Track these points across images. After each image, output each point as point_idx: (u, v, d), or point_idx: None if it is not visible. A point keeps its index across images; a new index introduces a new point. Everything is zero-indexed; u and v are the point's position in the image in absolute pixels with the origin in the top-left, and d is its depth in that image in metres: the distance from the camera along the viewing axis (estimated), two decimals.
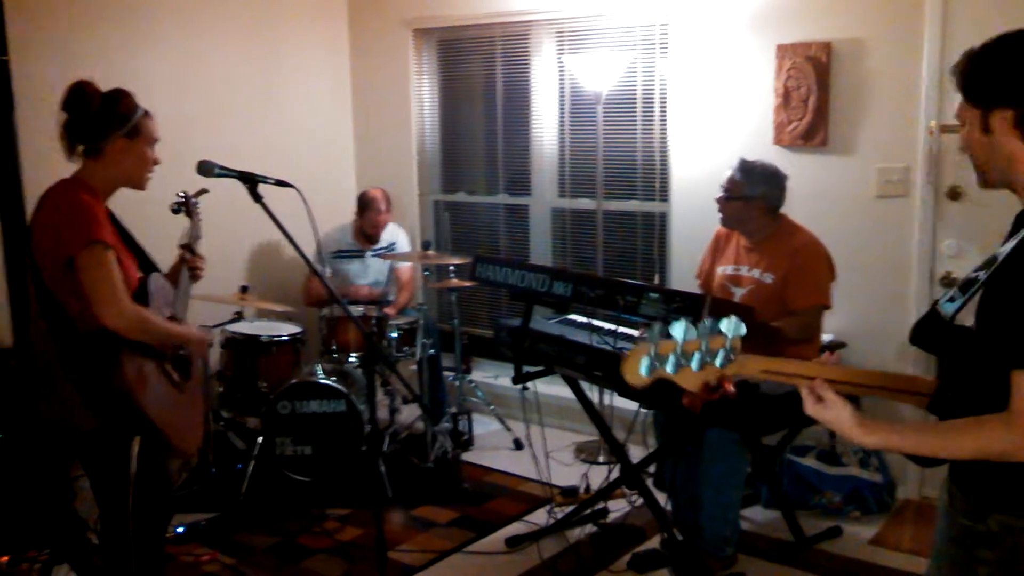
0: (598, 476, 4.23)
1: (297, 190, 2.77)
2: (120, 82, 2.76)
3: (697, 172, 4.69)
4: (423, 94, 5.82)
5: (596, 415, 3.96)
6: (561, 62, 5.19)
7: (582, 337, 3.55)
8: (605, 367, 3.38)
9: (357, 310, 4.72)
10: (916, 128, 4.11)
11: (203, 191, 3.02)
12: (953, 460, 1.76)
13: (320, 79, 5.78)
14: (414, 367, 4.99)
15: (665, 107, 4.85)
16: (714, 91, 4.65)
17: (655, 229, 5.06)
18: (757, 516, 4.15)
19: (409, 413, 5.10)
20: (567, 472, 4.57)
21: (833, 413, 1.68)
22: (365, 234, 5.27)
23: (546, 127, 5.38)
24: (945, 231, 4.13)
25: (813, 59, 4.30)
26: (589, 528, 3.99)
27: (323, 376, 4.46)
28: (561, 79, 5.26)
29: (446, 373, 5.30)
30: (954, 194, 4.07)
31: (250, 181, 2.78)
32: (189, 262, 2.98)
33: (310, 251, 2.87)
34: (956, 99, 1.78)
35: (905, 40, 4.11)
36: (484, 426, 5.30)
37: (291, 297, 5.18)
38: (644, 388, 1.62)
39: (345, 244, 5.27)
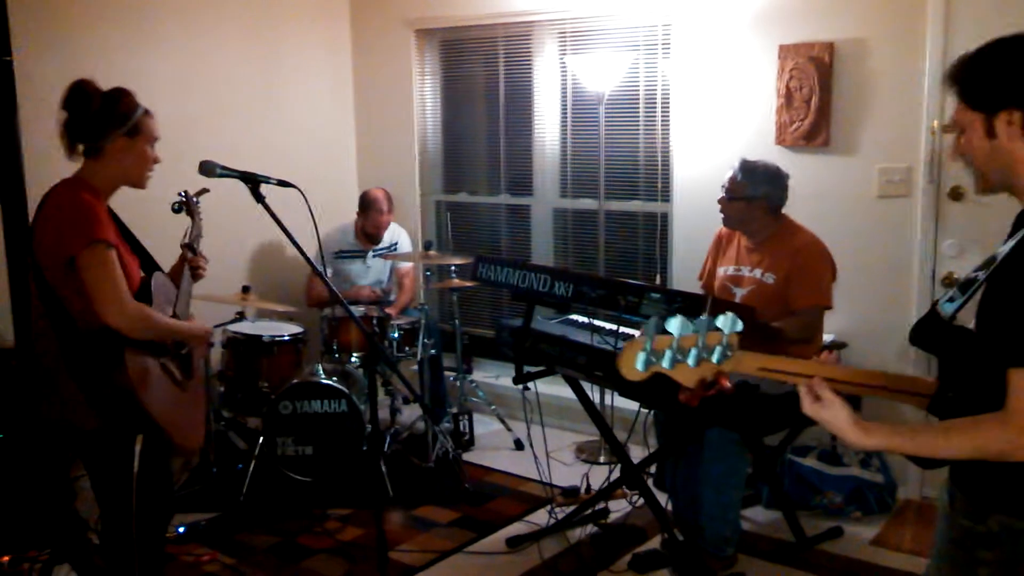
0: (599, 476, 4.24)
1: (299, 190, 2.77)
2: (122, 82, 2.77)
3: (699, 172, 4.69)
4: (425, 94, 5.82)
5: (597, 415, 3.96)
6: (563, 62, 5.19)
7: (583, 337, 3.55)
8: (606, 367, 3.38)
9: (358, 310, 4.72)
10: (918, 128, 4.11)
11: (204, 190, 3.03)
12: (953, 461, 1.75)
13: (322, 79, 5.78)
14: (415, 367, 4.99)
15: (667, 107, 4.85)
16: (716, 91, 4.65)
17: (657, 229, 5.06)
18: (758, 516, 4.15)
19: (410, 413, 5.10)
20: (568, 472, 4.57)
21: (830, 413, 1.68)
22: (367, 234, 5.27)
23: (548, 127, 5.38)
24: (946, 231, 4.13)
25: (815, 59, 4.30)
26: (590, 528, 3.99)
27: (324, 376, 4.46)
28: (563, 79, 5.26)
29: (447, 373, 5.30)
30: (956, 194, 4.07)
31: (252, 181, 2.78)
32: (191, 261, 2.98)
33: (312, 251, 2.87)
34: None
35: (907, 40, 4.11)
36: (485, 426, 5.30)
37: (293, 297, 5.19)
38: (641, 383, 1.62)
39: (347, 244, 5.28)
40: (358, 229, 5.30)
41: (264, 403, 4.42)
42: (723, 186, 3.73)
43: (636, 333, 3.46)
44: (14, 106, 4.18)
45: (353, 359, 4.65)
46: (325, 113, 5.82)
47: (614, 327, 3.54)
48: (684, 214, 4.83)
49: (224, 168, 2.76)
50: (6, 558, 3.51)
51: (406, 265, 5.37)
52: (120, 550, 2.78)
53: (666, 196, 4.95)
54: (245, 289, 4.51)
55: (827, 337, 4.08)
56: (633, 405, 3.94)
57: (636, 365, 1.60)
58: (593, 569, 3.69)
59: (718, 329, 1.63)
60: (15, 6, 4.18)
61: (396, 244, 5.37)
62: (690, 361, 1.62)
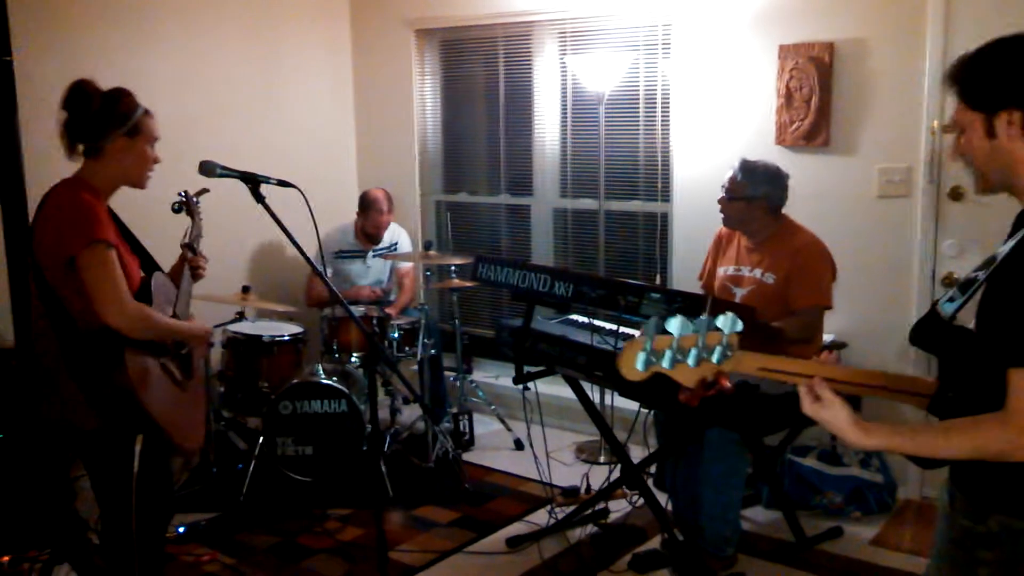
0: (599, 476, 4.24)
1: (299, 190, 2.77)
2: (122, 82, 2.77)
3: (699, 172, 4.69)
4: (425, 94, 5.82)
5: (597, 415, 3.96)
6: (563, 62, 5.18)
7: (583, 337, 3.55)
8: (606, 367, 3.38)
9: (358, 310, 4.72)
10: (918, 128, 4.11)
11: (204, 190, 3.03)
12: (953, 461, 1.75)
13: (322, 79, 5.78)
14: (415, 367, 4.99)
15: (667, 107, 4.85)
16: (716, 91, 4.65)
17: (657, 229, 5.06)
18: (758, 516, 4.15)
19: (410, 413, 5.10)
20: (568, 472, 4.57)
21: (830, 413, 1.68)
22: (367, 234, 5.27)
23: (548, 127, 5.38)
24: (946, 231, 4.13)
25: (815, 59, 4.30)
26: (590, 528, 3.99)
27: (324, 376, 4.46)
28: (563, 79, 5.26)
29: (447, 373, 5.30)
30: (956, 194, 4.07)
31: (252, 181, 2.77)
32: (191, 261, 2.98)
33: (312, 251, 2.87)
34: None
35: (907, 40, 4.11)
36: (485, 426, 5.30)
37: (293, 297, 5.19)
38: (640, 383, 1.62)
39: (347, 244, 5.27)
40: (358, 229, 5.30)
41: (264, 403, 4.42)
42: (723, 186, 3.73)
43: (636, 333, 3.47)
44: (14, 106, 4.18)
45: (353, 359, 4.65)
46: (325, 113, 5.82)
47: (614, 327, 3.54)
48: (684, 214, 4.83)
49: (224, 168, 2.76)
50: (6, 558, 3.51)
51: (406, 265, 5.37)
52: (120, 550, 2.78)
53: (666, 196, 4.95)
54: (245, 289, 4.51)
55: (827, 337, 4.08)
56: (633, 405, 3.95)
57: (636, 365, 1.60)
58: (593, 569, 3.69)
59: (718, 329, 1.63)
60: (15, 6, 4.18)
61: (396, 244, 5.37)
62: (690, 361, 1.62)
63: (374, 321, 4.64)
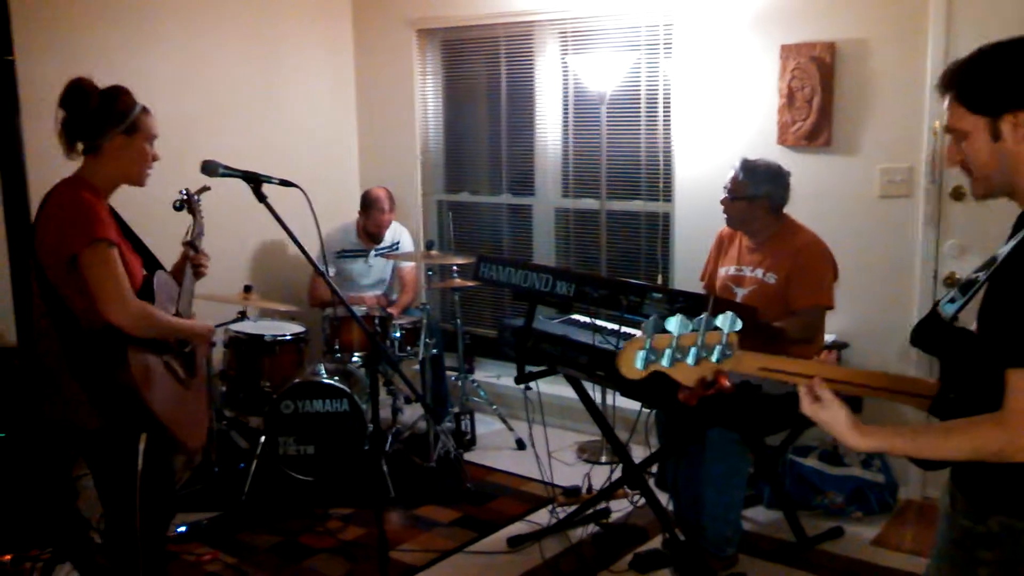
0: (600, 476, 4.24)
1: (301, 190, 2.77)
2: (123, 82, 2.77)
3: (701, 172, 4.69)
4: (427, 94, 5.82)
5: (598, 415, 3.96)
6: (565, 62, 5.18)
7: (585, 337, 3.55)
8: (608, 367, 3.38)
9: (360, 309, 4.73)
10: (920, 128, 4.11)
11: (205, 188, 3.02)
12: (953, 461, 1.75)
13: (323, 79, 5.78)
14: (417, 367, 4.99)
15: (669, 107, 4.85)
16: (718, 91, 4.65)
17: (658, 229, 5.06)
18: (759, 516, 4.15)
19: (412, 413, 5.11)
20: (569, 472, 4.57)
21: (829, 414, 1.68)
22: (368, 233, 5.27)
23: (550, 127, 5.38)
24: (948, 231, 4.13)
25: (817, 59, 4.30)
26: (591, 528, 3.99)
27: (326, 376, 4.46)
28: (565, 79, 5.26)
29: (449, 373, 5.30)
30: (957, 194, 4.07)
31: (254, 181, 2.77)
32: (193, 259, 2.98)
33: (314, 251, 2.87)
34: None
35: (909, 40, 4.10)
36: (486, 426, 5.30)
37: (295, 297, 5.19)
38: (641, 382, 1.62)
39: (348, 244, 5.28)
40: (360, 228, 5.30)
41: (266, 402, 4.43)
42: (725, 187, 3.73)
43: (638, 333, 3.47)
44: (16, 105, 4.18)
45: (355, 358, 4.66)
46: (326, 113, 5.83)
47: (616, 327, 3.54)
48: (686, 214, 4.83)
49: (226, 168, 2.76)
50: (8, 557, 3.52)
51: (408, 265, 5.38)
52: (123, 549, 2.78)
53: (668, 196, 4.95)
54: (247, 288, 4.52)
55: (829, 337, 4.08)
56: (635, 405, 3.95)
57: (635, 364, 1.60)
58: (594, 569, 3.69)
59: (717, 328, 1.63)
60: (16, 6, 4.19)
61: (398, 243, 5.37)
62: (689, 360, 1.62)
63: (376, 321, 4.64)
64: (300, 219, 2.81)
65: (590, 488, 4.27)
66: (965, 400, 1.70)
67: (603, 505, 4.11)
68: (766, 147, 4.37)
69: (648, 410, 3.98)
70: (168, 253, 2.99)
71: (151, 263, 2.85)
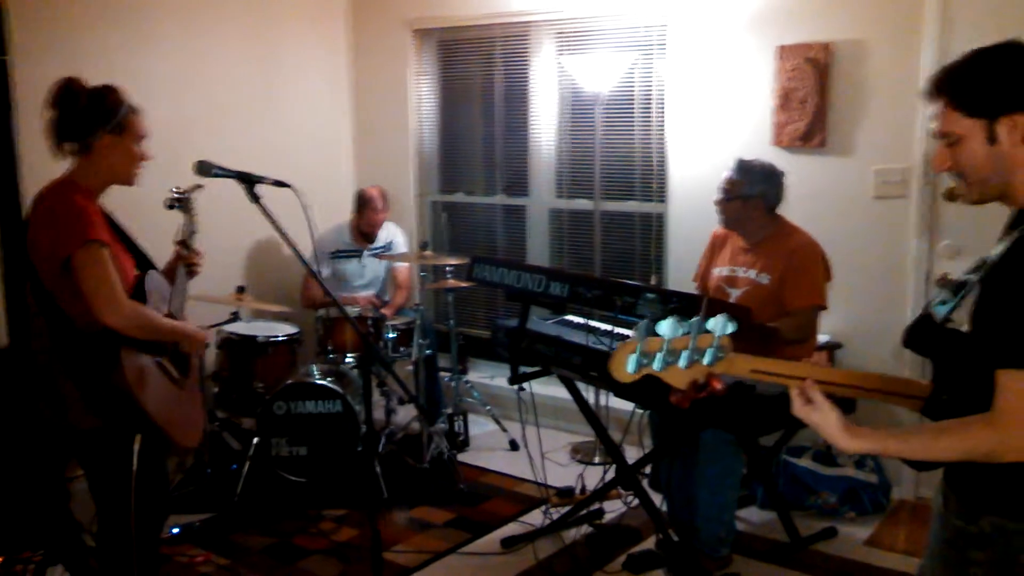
0: (594, 477, 4.23)
1: (295, 190, 2.76)
2: (120, 82, 2.77)
3: (695, 173, 4.69)
4: (422, 95, 5.82)
5: (592, 416, 3.96)
6: (560, 63, 5.18)
7: (578, 338, 3.54)
8: (601, 368, 3.38)
9: (353, 310, 4.72)
10: (914, 130, 4.12)
11: (198, 186, 3.01)
12: (946, 462, 1.76)
13: (319, 79, 5.78)
14: (410, 368, 4.98)
15: (663, 108, 4.85)
16: (713, 92, 4.65)
17: (653, 230, 5.06)
18: (753, 517, 4.15)
19: (405, 414, 5.10)
20: (563, 473, 4.57)
21: (820, 416, 1.68)
22: (362, 233, 5.26)
23: (544, 128, 5.38)
24: (942, 232, 4.13)
25: (812, 60, 4.30)
26: (585, 529, 3.99)
27: (319, 377, 4.46)
28: (560, 80, 5.26)
29: (442, 374, 5.29)
30: (952, 196, 4.07)
31: (248, 181, 2.77)
32: (186, 258, 2.98)
33: (307, 252, 2.87)
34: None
35: (904, 42, 4.11)
36: (480, 427, 5.30)
37: (288, 297, 5.18)
38: (635, 384, 1.62)
39: (342, 244, 5.27)
40: (354, 228, 5.29)
41: (259, 404, 4.42)
42: (720, 187, 3.73)
43: (631, 333, 3.47)
44: (9, 105, 4.17)
45: (348, 359, 4.65)
46: (323, 113, 5.82)
47: (610, 327, 3.54)
48: (680, 215, 4.83)
49: (220, 168, 2.75)
50: (0, 559, 3.50)
51: (402, 265, 5.37)
52: (117, 551, 2.77)
53: (662, 197, 4.95)
54: (240, 289, 4.50)
55: (823, 338, 4.08)
56: (628, 406, 3.95)
57: (627, 367, 1.60)
58: (588, 569, 3.69)
59: (709, 331, 1.63)
60: (14, 6, 4.18)
61: (392, 243, 5.36)
62: (681, 363, 1.62)
63: (369, 322, 4.64)
64: (294, 219, 2.80)
65: (584, 489, 4.26)
66: (958, 401, 1.70)
67: (597, 506, 4.10)
68: (761, 148, 4.37)
69: (641, 411, 3.97)
70: (162, 252, 2.98)
71: (144, 263, 2.84)
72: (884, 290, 4.29)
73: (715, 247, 3.91)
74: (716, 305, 3.09)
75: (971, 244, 3.99)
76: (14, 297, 4.20)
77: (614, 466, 3.88)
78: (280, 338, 4.60)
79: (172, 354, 2.85)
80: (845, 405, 1.71)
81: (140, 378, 2.65)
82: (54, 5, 4.45)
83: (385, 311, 4.95)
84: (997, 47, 1.70)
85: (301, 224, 2.81)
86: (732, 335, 1.64)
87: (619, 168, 5.10)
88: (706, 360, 1.63)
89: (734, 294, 3.71)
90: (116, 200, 2.81)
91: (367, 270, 5.29)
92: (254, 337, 4.57)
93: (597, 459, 4.78)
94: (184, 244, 2.99)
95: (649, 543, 3.86)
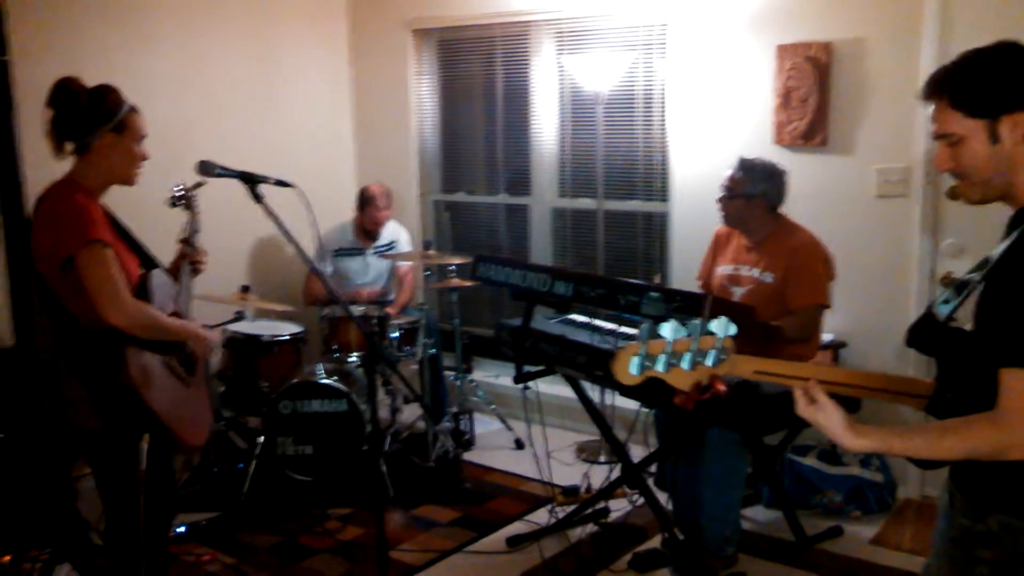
0: (599, 476, 4.24)
1: (298, 190, 2.77)
2: (120, 82, 2.78)
3: (697, 172, 4.70)
4: (423, 94, 5.82)
5: (597, 415, 3.96)
6: (561, 62, 5.18)
7: (583, 337, 3.55)
8: (606, 367, 3.38)
9: (358, 309, 4.73)
10: (915, 128, 4.12)
11: (200, 183, 3.02)
12: (951, 460, 1.76)
13: (320, 79, 5.78)
14: (415, 367, 4.99)
15: (665, 107, 4.85)
16: (714, 91, 4.65)
17: (655, 229, 5.07)
18: (758, 516, 4.16)
19: (410, 413, 5.10)
20: (568, 472, 4.57)
21: (824, 416, 1.68)
22: (365, 231, 5.26)
23: (546, 127, 5.39)
24: (945, 231, 4.13)
25: (813, 59, 4.30)
26: (590, 528, 3.99)
27: (324, 376, 4.46)
28: (561, 79, 5.26)
29: (447, 373, 5.30)
30: (954, 194, 4.05)
31: (251, 181, 2.78)
32: (189, 256, 2.98)
33: (311, 251, 2.87)
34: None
35: (905, 40, 4.11)
36: (485, 426, 5.30)
37: (292, 296, 5.19)
38: (636, 386, 1.62)
39: (346, 242, 5.27)
40: (357, 226, 5.29)
41: (264, 403, 4.43)
42: (722, 185, 3.73)
43: (635, 332, 3.47)
44: (11, 106, 4.18)
45: (353, 358, 4.65)
46: (323, 113, 5.83)
47: (614, 326, 3.54)
48: (683, 213, 4.83)
49: (223, 168, 2.76)
50: (7, 558, 3.52)
51: (406, 264, 5.37)
52: (125, 550, 2.78)
53: (664, 196, 4.95)
54: (244, 289, 4.52)
55: (826, 337, 4.08)
56: (633, 404, 3.95)
57: (630, 369, 1.60)
58: (593, 568, 3.70)
59: (712, 333, 1.63)
60: (14, 6, 4.19)
61: (395, 242, 5.36)
62: (684, 365, 1.63)
63: (374, 321, 4.64)
64: (297, 218, 2.81)
65: (589, 488, 4.27)
66: (962, 399, 1.70)
67: (602, 505, 4.11)
68: (762, 147, 4.37)
69: (647, 410, 3.98)
70: (166, 251, 2.99)
71: (148, 262, 2.85)
72: (887, 289, 4.29)
73: (718, 246, 3.92)
74: (719, 304, 3.10)
75: (974, 243, 3.99)
76: (19, 297, 4.21)
77: (619, 465, 3.88)
78: (285, 337, 4.61)
79: (178, 353, 2.86)
80: (849, 404, 1.71)
81: (145, 377, 2.66)
82: (54, 5, 4.46)
83: (389, 310, 4.95)
84: (994, 47, 1.70)
85: (303, 223, 2.82)
86: (735, 334, 1.64)
87: (621, 167, 5.11)
88: (709, 362, 1.64)
89: (737, 293, 3.72)
90: (117, 200, 2.82)
91: (370, 268, 5.30)
92: (259, 336, 4.57)
93: (602, 458, 4.78)
94: (188, 242, 2.99)
95: (655, 542, 3.86)
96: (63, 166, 2.73)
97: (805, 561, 3.73)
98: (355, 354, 4.65)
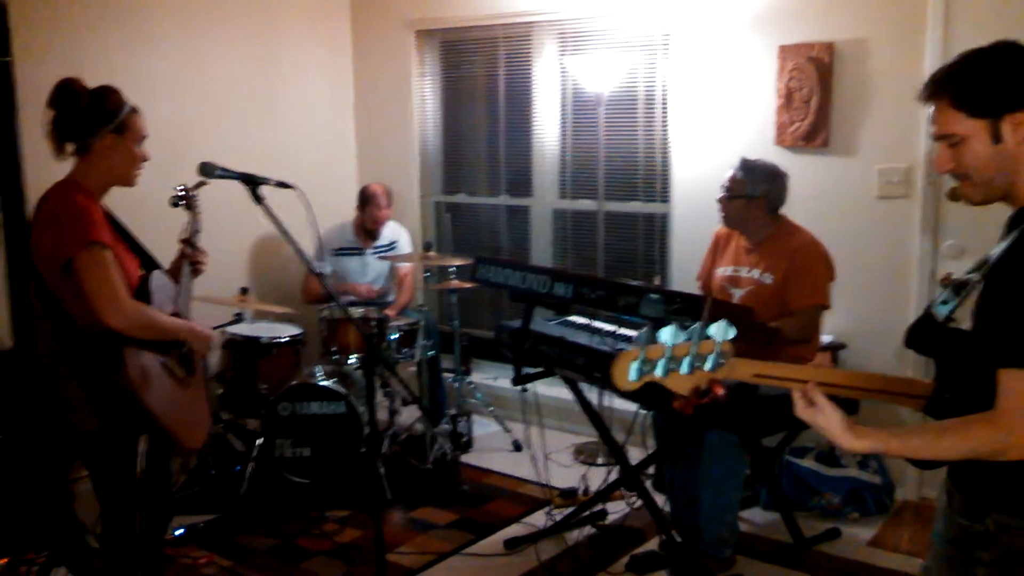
0: (597, 478, 4.23)
1: (299, 191, 2.76)
2: (121, 83, 2.77)
3: (698, 173, 4.69)
4: (425, 95, 5.82)
5: (595, 417, 3.95)
6: (563, 63, 5.18)
7: (582, 338, 3.55)
8: (605, 369, 3.37)
9: (357, 311, 4.72)
10: (917, 129, 4.11)
11: (202, 183, 3.01)
12: (950, 460, 1.76)
13: (322, 80, 5.78)
14: (414, 369, 4.99)
15: (666, 108, 4.85)
16: (716, 92, 4.64)
17: (656, 230, 5.06)
18: (756, 518, 4.15)
19: (408, 415, 5.10)
20: (566, 474, 4.56)
21: (823, 417, 1.68)
22: (366, 230, 5.26)
23: (547, 128, 5.38)
24: (946, 232, 4.13)
25: (815, 60, 4.30)
26: (588, 530, 3.99)
27: (323, 378, 4.46)
28: (563, 80, 5.26)
29: (446, 375, 5.30)
30: (955, 196, 4.05)
31: (251, 183, 2.77)
32: (190, 256, 2.98)
33: (311, 250, 2.86)
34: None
35: (907, 41, 4.10)
36: (483, 428, 5.30)
37: (292, 298, 5.19)
38: (635, 391, 1.62)
39: (346, 241, 5.26)
40: (357, 225, 5.28)
41: (262, 405, 4.42)
42: (723, 185, 3.73)
43: (635, 334, 3.47)
44: (13, 107, 4.18)
45: (351, 360, 4.65)
46: (325, 113, 5.82)
47: (613, 328, 3.53)
48: (683, 215, 4.82)
49: (224, 169, 2.76)
50: (4, 560, 3.51)
51: (405, 266, 5.37)
52: (121, 552, 2.78)
53: (665, 197, 4.94)
54: (243, 291, 4.51)
55: (826, 338, 4.08)
56: (632, 406, 3.94)
57: (629, 375, 1.59)
58: (591, 571, 3.69)
59: (710, 337, 1.63)
60: (15, 7, 4.18)
61: (396, 243, 5.36)
62: (683, 369, 1.62)
63: (373, 323, 4.64)
64: (297, 219, 2.80)
65: (587, 490, 4.26)
66: (960, 400, 1.70)
67: (600, 507, 4.10)
68: (764, 148, 4.37)
69: (645, 412, 3.97)
70: (166, 252, 2.98)
71: (148, 263, 2.84)
72: (887, 290, 4.28)
73: (718, 247, 3.91)
74: (719, 306, 3.09)
75: (975, 244, 3.98)
76: (19, 299, 4.20)
77: (617, 467, 3.87)
78: (284, 339, 4.61)
79: (177, 353, 2.85)
80: (848, 406, 1.71)
81: (144, 378, 2.65)
82: (55, 6, 4.46)
83: (388, 312, 4.95)
84: (994, 47, 1.70)
85: (303, 224, 2.82)
86: (731, 341, 1.64)
87: (622, 168, 5.10)
88: (708, 366, 1.63)
89: (737, 294, 3.71)
90: (118, 200, 2.82)
91: (369, 268, 5.29)
92: (258, 338, 4.57)
93: (600, 460, 4.77)
94: (189, 242, 2.99)
95: (652, 544, 3.86)
96: (64, 167, 2.73)
97: (803, 563, 3.72)
98: (354, 356, 4.64)
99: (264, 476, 4.37)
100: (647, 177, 5.04)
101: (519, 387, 3.86)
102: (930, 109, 1.76)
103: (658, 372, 1.60)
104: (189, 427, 2.86)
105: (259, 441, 4.39)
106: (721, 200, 3.74)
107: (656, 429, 3.97)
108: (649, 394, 1.71)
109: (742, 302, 3.62)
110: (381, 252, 5.26)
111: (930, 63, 4.00)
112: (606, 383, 3.87)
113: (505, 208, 5.69)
